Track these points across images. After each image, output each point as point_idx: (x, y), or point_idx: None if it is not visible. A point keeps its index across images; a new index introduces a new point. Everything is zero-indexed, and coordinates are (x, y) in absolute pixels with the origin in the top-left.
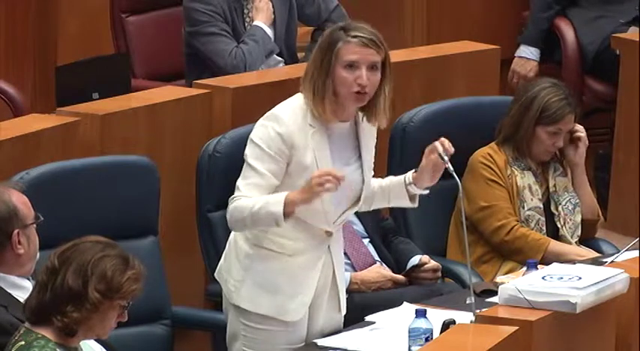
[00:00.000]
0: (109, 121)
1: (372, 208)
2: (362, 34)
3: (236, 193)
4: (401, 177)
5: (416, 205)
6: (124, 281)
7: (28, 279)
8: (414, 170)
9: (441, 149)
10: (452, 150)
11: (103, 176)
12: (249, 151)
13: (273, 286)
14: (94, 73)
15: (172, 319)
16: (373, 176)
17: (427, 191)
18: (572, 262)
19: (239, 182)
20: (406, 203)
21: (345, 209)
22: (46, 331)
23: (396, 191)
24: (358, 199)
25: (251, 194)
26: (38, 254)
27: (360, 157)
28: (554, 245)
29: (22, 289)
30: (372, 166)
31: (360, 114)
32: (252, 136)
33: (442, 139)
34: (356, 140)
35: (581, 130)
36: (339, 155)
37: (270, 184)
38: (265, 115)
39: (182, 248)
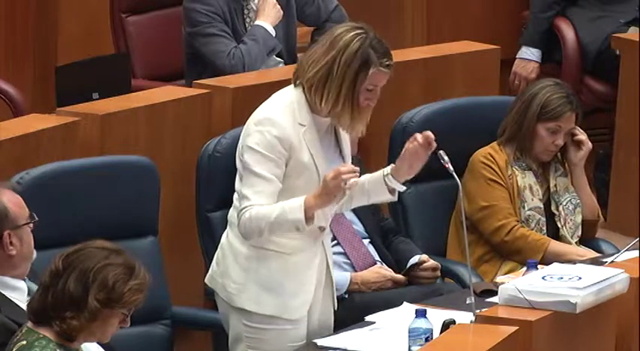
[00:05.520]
0: (109, 121)
1: (352, 207)
2: (391, 63)
3: (245, 203)
4: (379, 171)
5: (395, 198)
6: (126, 291)
7: (24, 280)
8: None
9: (419, 137)
10: (433, 145)
11: (103, 176)
12: (249, 159)
13: (276, 286)
14: (94, 73)
15: (172, 319)
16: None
17: (404, 188)
18: (573, 262)
19: (245, 191)
20: (386, 197)
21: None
22: (48, 332)
23: (375, 186)
24: (343, 192)
25: (261, 202)
26: (35, 254)
27: (340, 150)
28: (555, 245)
29: (17, 291)
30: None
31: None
32: (248, 143)
33: (427, 133)
34: (335, 135)
35: (582, 134)
36: (327, 150)
37: (278, 188)
38: (256, 120)
39: (182, 248)
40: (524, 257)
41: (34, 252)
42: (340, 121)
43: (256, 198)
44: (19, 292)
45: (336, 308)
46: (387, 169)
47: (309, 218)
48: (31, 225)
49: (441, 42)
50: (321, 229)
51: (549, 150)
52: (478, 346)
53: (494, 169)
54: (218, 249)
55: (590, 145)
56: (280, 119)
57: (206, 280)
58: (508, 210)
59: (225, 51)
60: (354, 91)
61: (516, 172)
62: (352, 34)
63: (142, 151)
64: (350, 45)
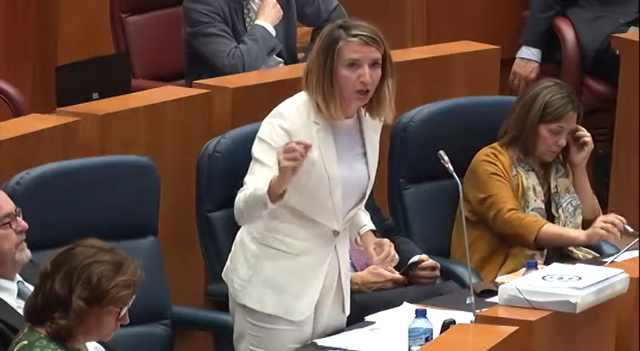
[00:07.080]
0: (109, 121)
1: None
2: (362, 33)
3: (241, 189)
4: (362, 222)
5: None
6: (111, 287)
7: (15, 281)
8: (370, 229)
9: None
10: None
11: (103, 176)
12: (255, 148)
13: (280, 286)
14: (94, 73)
15: (172, 319)
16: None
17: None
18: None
19: (246, 178)
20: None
21: (352, 206)
22: (45, 332)
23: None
24: (364, 196)
25: (255, 185)
26: (20, 256)
27: (365, 153)
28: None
29: (3, 291)
30: (377, 162)
31: (363, 110)
32: (258, 134)
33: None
34: (360, 137)
35: (587, 135)
36: (344, 151)
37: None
38: (270, 114)
39: (182, 248)
40: (519, 238)
41: (16, 254)
42: (329, 108)
43: (251, 182)
44: (7, 293)
45: (347, 314)
46: (362, 231)
47: (276, 195)
48: (12, 226)
49: (440, 42)
50: (335, 233)
51: (552, 150)
52: (478, 346)
53: (497, 165)
54: (233, 245)
55: (592, 145)
56: (291, 114)
57: (222, 275)
58: (507, 197)
59: (225, 51)
60: (331, 74)
61: (521, 173)
62: (326, 26)
63: (142, 151)
64: (323, 36)
